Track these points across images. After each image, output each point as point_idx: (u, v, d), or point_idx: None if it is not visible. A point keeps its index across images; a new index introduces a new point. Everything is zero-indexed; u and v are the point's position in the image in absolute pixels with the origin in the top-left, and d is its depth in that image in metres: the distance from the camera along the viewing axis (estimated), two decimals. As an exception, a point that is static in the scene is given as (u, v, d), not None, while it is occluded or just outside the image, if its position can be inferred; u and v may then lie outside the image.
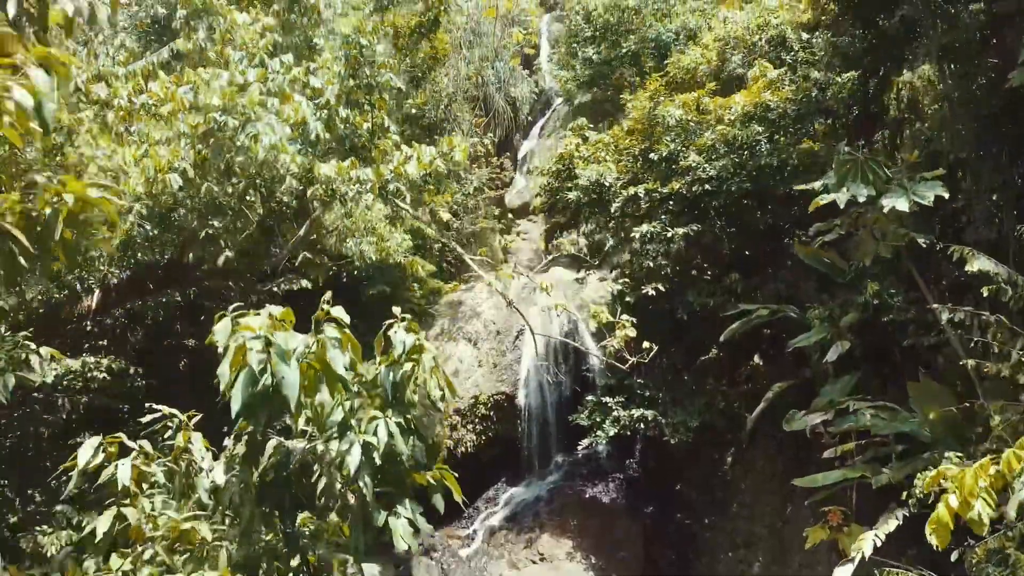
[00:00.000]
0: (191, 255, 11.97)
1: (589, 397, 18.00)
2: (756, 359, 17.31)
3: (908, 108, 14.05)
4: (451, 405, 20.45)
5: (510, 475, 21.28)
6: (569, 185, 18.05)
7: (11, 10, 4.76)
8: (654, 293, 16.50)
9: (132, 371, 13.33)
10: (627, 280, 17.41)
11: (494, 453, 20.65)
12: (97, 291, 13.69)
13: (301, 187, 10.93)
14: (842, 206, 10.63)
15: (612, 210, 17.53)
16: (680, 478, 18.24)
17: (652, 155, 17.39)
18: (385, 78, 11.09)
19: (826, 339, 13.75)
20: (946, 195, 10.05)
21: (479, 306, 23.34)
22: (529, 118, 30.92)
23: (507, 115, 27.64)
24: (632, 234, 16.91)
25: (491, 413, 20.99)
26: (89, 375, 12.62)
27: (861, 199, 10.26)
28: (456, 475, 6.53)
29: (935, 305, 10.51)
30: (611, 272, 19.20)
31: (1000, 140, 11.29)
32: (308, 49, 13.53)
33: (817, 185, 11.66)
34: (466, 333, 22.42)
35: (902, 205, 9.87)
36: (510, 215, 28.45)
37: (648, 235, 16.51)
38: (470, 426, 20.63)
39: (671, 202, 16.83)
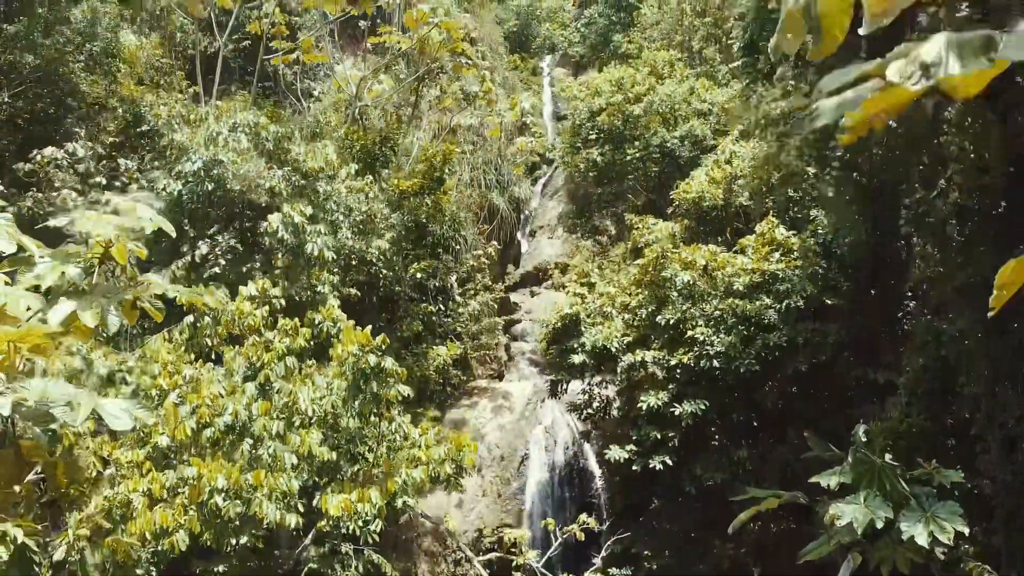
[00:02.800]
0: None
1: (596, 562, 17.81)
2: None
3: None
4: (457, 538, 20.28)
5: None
6: (575, 345, 17.82)
7: None
8: (661, 467, 16.31)
9: None
10: (633, 448, 17.20)
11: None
12: None
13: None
14: (859, 531, 10.40)
15: (618, 371, 17.34)
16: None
17: (659, 318, 17.14)
18: (393, 391, 10.86)
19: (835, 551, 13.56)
20: (966, 531, 9.84)
21: (483, 427, 23.10)
22: (527, 213, 30.69)
23: (511, 219, 27.36)
24: (639, 404, 16.71)
25: (494, 547, 20.82)
26: None
27: (879, 523, 10.05)
28: None
29: None
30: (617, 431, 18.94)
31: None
32: (312, 293, 13.28)
33: (832, 483, 11.42)
34: (470, 459, 22.19)
35: (921, 538, 9.66)
36: (513, 304, 28.20)
37: (655, 408, 16.31)
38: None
39: (678, 371, 16.62)
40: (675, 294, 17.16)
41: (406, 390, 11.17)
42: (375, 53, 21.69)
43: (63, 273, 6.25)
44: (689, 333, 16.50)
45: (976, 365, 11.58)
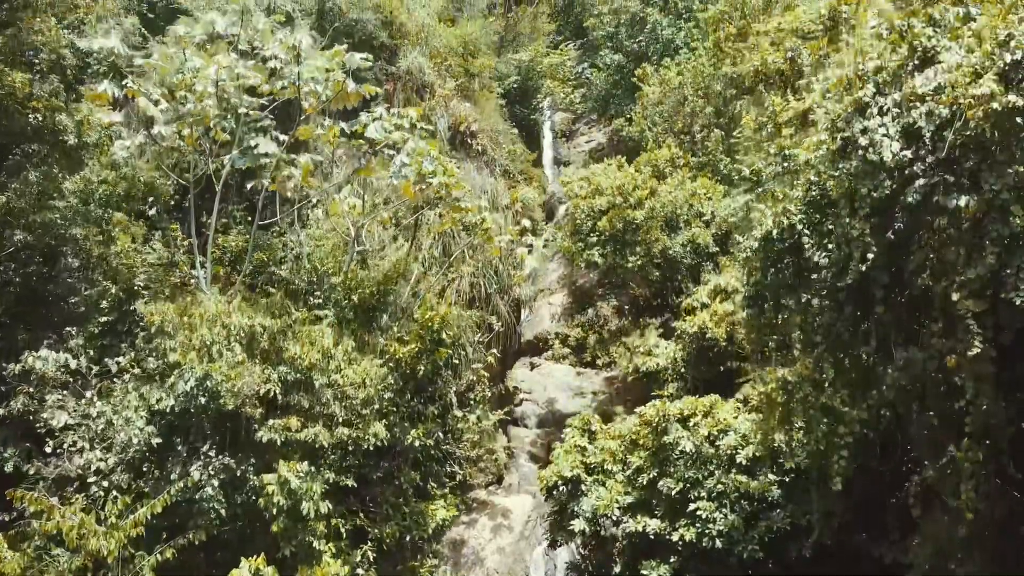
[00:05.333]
0: None
1: None
2: None
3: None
4: None
5: None
6: (575, 509, 17.63)
7: None
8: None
9: None
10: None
11: None
12: None
13: None
14: None
15: (619, 535, 17.17)
16: None
17: (661, 485, 16.94)
18: None
19: None
20: None
21: (482, 549, 22.90)
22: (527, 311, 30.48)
23: (511, 321, 27.10)
24: (641, 572, 16.56)
25: None
26: None
27: None
28: None
29: None
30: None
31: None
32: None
33: None
34: (468, 590, 22.00)
35: None
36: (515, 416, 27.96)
37: (657, 582, 16.15)
38: None
39: (680, 546, 16.43)
40: (677, 460, 16.94)
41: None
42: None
43: None
44: (691, 506, 16.30)
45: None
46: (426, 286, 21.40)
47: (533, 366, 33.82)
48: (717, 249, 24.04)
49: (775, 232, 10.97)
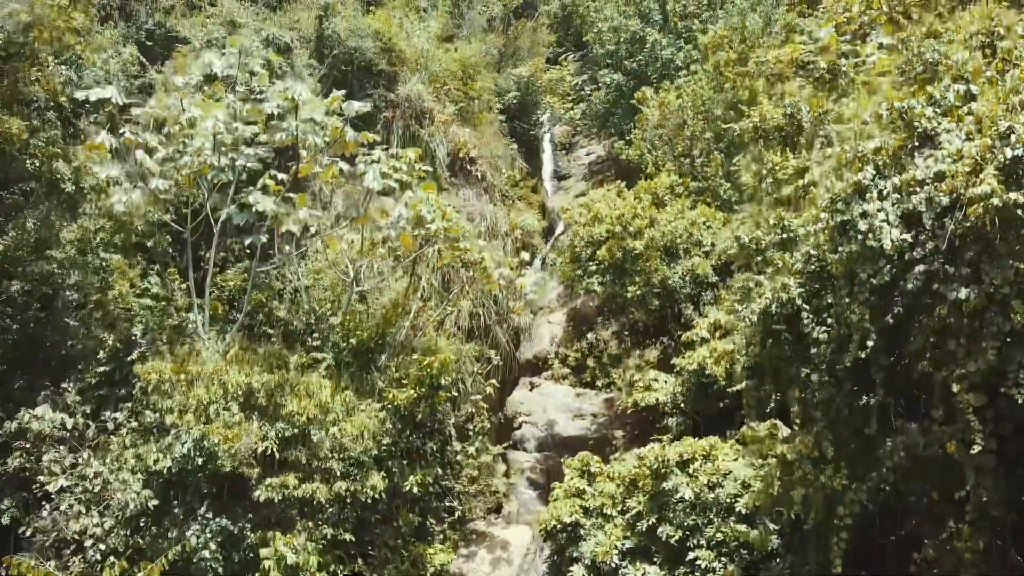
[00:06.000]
0: None
1: None
2: None
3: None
4: None
5: None
6: (574, 554, 17.61)
7: None
8: None
9: None
10: None
11: None
12: None
13: None
14: None
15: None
16: None
17: (660, 531, 16.91)
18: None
19: None
20: None
21: (481, 584, 22.96)
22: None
23: (511, 350, 27.04)
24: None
25: None
26: None
27: None
28: None
29: None
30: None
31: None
32: None
33: None
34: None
35: None
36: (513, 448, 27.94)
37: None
38: None
39: (679, 594, 16.43)
40: (676, 506, 16.91)
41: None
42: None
43: None
44: (691, 555, 16.27)
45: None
46: (425, 318, 21.35)
47: (533, 386, 33.76)
48: (717, 279, 23.95)
49: (774, 307, 10.89)
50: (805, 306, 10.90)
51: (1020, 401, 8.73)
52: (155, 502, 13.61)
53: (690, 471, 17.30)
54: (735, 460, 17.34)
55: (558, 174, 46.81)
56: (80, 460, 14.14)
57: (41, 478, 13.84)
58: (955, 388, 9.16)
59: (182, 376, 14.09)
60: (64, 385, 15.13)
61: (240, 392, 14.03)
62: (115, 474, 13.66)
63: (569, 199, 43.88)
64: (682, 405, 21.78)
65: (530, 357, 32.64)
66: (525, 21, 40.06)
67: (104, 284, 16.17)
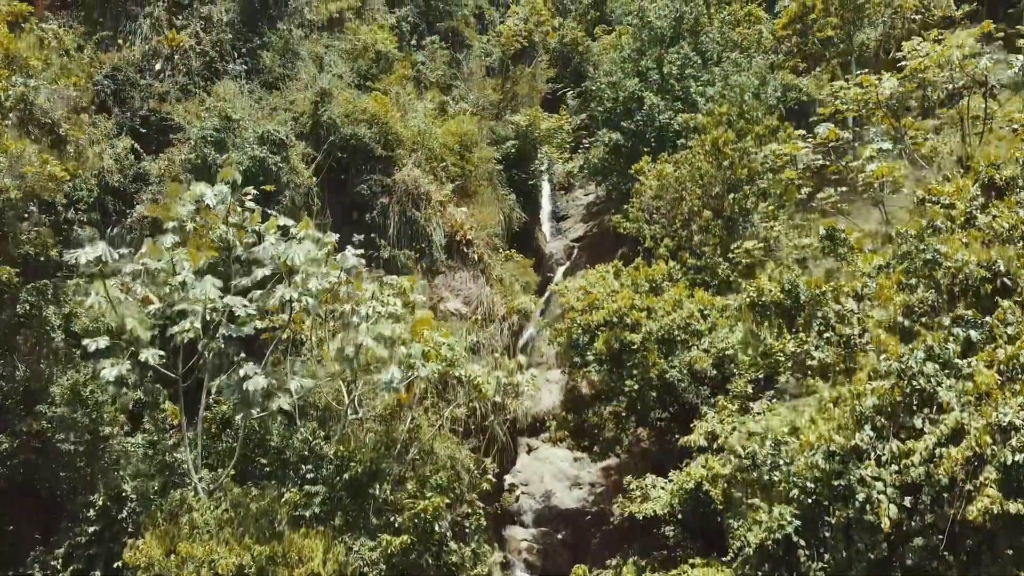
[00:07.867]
0: None
1: None
2: None
3: None
4: None
5: None
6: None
7: None
8: None
9: None
10: None
11: None
12: None
13: None
14: None
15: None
16: None
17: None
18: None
19: None
20: None
21: None
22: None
23: (508, 441, 26.99)
24: None
25: None
26: None
27: None
28: None
29: None
30: None
31: None
32: None
33: None
34: None
35: None
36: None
37: None
38: None
39: None
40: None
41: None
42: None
43: None
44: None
45: None
46: (424, 421, 21.24)
47: (530, 449, 33.69)
48: (716, 373, 23.77)
49: (770, 544, 10.79)
50: (801, 542, 10.80)
51: None
52: None
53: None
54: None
55: (556, 215, 46.48)
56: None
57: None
58: None
59: (172, 558, 14.00)
60: (54, 563, 15.04)
61: (231, 572, 13.94)
62: None
63: (565, 243, 43.84)
64: (679, 517, 21.68)
65: (529, 420, 32.55)
66: (524, 67, 39.58)
67: (96, 438, 16.07)
